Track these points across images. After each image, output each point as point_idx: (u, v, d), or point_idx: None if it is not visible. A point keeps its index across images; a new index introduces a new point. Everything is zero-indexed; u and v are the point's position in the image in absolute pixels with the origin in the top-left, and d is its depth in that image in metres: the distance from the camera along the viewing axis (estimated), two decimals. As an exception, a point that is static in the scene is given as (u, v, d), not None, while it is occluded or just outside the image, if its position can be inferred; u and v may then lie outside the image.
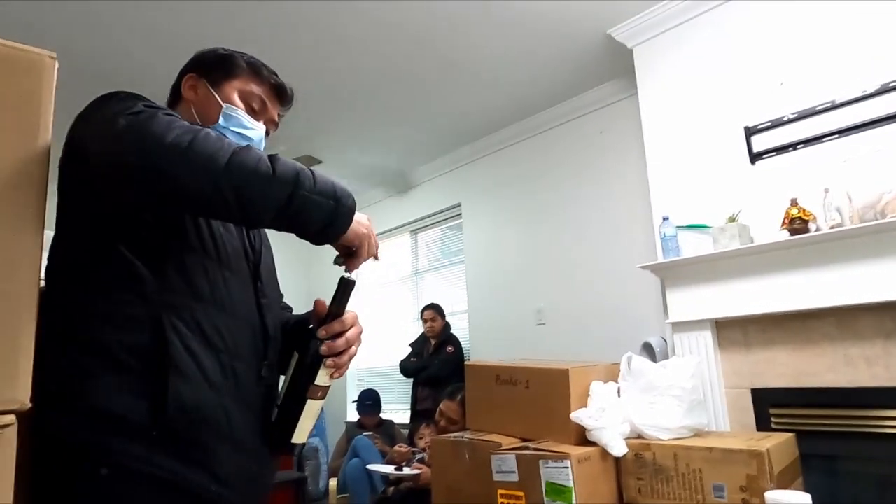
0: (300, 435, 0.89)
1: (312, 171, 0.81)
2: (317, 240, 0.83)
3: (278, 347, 0.99)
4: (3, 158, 0.70)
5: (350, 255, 0.89)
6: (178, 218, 0.86)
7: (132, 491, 0.76)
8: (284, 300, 1.14)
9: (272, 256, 1.09)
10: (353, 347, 0.90)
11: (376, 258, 0.92)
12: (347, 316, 0.90)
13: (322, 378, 0.89)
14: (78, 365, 0.77)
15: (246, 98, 1.02)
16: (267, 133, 1.07)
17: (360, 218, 0.87)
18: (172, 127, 0.75)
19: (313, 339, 0.88)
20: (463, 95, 3.75)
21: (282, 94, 1.07)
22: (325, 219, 0.81)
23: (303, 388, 0.88)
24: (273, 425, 0.89)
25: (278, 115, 1.08)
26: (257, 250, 1.02)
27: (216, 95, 1.00)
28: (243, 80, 1.02)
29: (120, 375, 0.77)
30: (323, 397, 0.91)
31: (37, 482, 0.75)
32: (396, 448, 3.18)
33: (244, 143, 0.97)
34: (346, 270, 0.89)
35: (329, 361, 0.87)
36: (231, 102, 1.00)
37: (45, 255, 0.77)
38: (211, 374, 0.82)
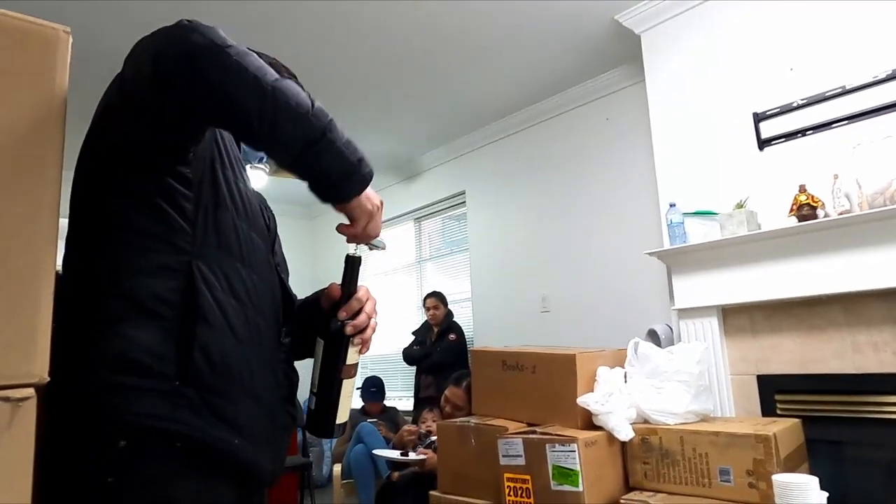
0: (342, 414, 0.91)
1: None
2: (327, 194, 0.82)
3: (294, 317, 1.00)
4: (17, 133, 0.69)
5: (350, 227, 0.88)
6: (213, 172, 0.85)
7: (152, 460, 0.75)
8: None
9: (280, 240, 1.10)
10: (373, 319, 0.91)
11: (370, 244, 0.91)
12: (360, 291, 0.91)
13: (352, 356, 0.91)
14: (105, 312, 0.76)
15: None
16: None
17: (371, 194, 0.86)
18: (216, 35, 0.73)
19: (334, 321, 0.89)
20: (469, 82, 3.73)
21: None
22: (344, 173, 0.80)
23: (336, 371, 0.89)
24: (314, 412, 0.90)
25: None
26: (272, 223, 1.03)
27: None
28: None
29: (148, 322, 0.76)
30: (355, 374, 0.93)
31: (47, 457, 0.74)
32: (406, 427, 3.19)
33: None
34: (348, 242, 0.90)
35: (356, 339, 0.88)
36: None
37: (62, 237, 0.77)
38: (236, 327, 0.82)
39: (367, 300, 0.90)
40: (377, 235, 0.91)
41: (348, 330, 0.88)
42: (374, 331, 0.91)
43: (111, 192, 0.81)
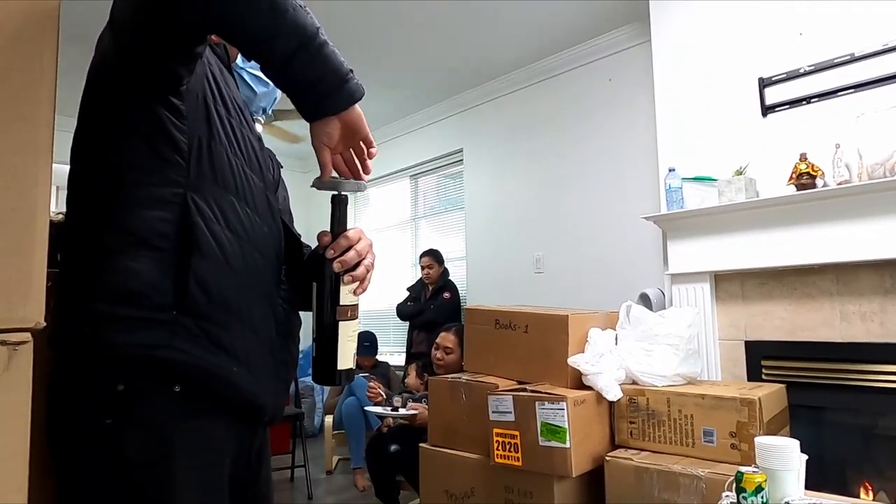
0: (344, 360, 0.87)
1: None
2: (319, 106, 0.78)
3: (295, 257, 0.99)
4: (8, 80, 0.67)
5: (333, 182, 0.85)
6: (206, 107, 0.83)
7: (151, 403, 0.76)
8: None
9: (287, 193, 1.07)
10: (368, 259, 0.88)
11: (356, 186, 0.87)
12: (351, 231, 0.88)
13: (346, 297, 0.87)
14: (102, 247, 0.76)
15: None
16: None
17: (360, 112, 0.83)
18: None
19: (326, 262, 0.87)
20: (470, 37, 3.63)
21: None
22: (337, 83, 0.77)
23: (331, 312, 0.87)
24: (315, 359, 0.88)
25: None
26: (275, 171, 1.01)
27: None
28: None
29: (144, 254, 0.76)
30: (354, 317, 0.89)
31: (51, 403, 0.75)
32: (370, 385, 3.23)
33: (262, 87, 1.02)
34: (322, 179, 0.86)
35: (346, 277, 0.86)
36: None
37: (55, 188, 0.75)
38: (232, 259, 0.82)
39: (357, 239, 0.88)
40: (370, 149, 0.87)
41: (336, 267, 0.85)
42: (368, 270, 0.89)
43: (105, 126, 0.80)
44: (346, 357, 0.87)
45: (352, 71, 0.78)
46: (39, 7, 0.70)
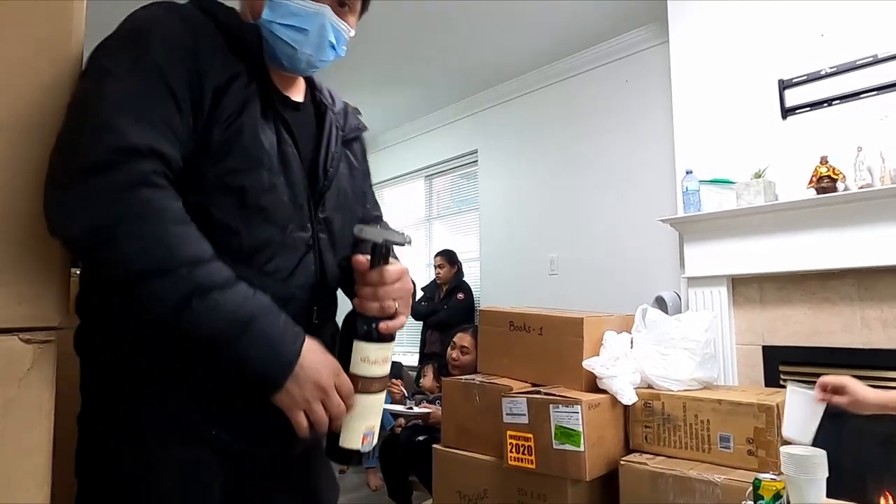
0: (348, 437, 0.75)
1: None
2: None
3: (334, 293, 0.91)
4: (34, 85, 0.68)
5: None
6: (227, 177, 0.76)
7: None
8: None
9: (356, 179, 0.96)
10: (392, 306, 0.78)
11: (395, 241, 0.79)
12: (389, 271, 0.78)
13: (359, 365, 0.75)
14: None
15: None
16: (347, 6, 0.87)
17: (311, 372, 0.73)
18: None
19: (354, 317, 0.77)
20: (486, 38, 3.63)
21: None
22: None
23: None
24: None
25: None
26: (331, 162, 0.90)
27: None
28: None
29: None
30: (366, 390, 0.75)
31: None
32: (394, 381, 3.25)
33: (300, 38, 0.82)
34: (363, 227, 0.77)
35: (362, 345, 0.75)
36: None
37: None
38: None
39: (390, 282, 0.78)
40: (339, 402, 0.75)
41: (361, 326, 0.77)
42: (395, 326, 0.78)
43: None
44: (352, 435, 0.75)
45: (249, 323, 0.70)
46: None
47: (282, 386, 0.71)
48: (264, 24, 0.82)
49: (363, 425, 0.76)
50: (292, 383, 0.71)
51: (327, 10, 0.83)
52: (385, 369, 0.77)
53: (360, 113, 1.03)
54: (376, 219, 1.03)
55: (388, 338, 0.77)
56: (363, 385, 0.75)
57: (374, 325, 0.76)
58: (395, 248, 0.81)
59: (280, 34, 0.82)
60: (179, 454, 0.76)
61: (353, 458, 0.76)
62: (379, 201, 1.09)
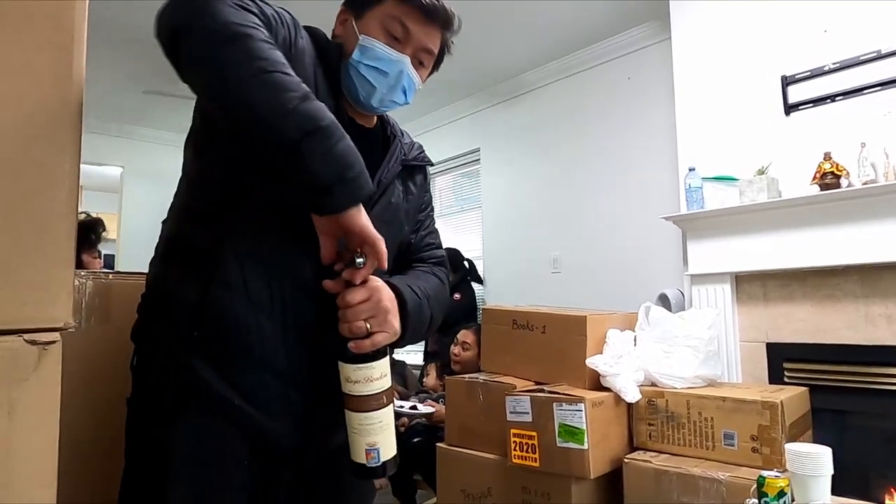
0: (352, 451, 0.78)
1: (339, 137, 0.74)
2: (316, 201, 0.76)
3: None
4: (38, 86, 0.68)
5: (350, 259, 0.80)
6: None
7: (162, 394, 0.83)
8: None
9: (410, 203, 1.03)
10: (361, 326, 0.78)
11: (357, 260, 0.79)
12: (354, 292, 0.80)
13: (345, 384, 0.76)
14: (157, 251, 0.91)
15: (386, 25, 0.91)
16: (422, 63, 0.98)
17: (363, 218, 0.77)
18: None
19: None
20: (487, 36, 3.62)
21: (429, 14, 0.93)
22: (332, 182, 0.73)
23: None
24: None
25: (441, 41, 0.99)
26: (385, 175, 0.97)
27: (355, 27, 0.92)
28: (387, 5, 0.91)
29: (179, 267, 0.86)
30: (359, 409, 0.76)
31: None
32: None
33: (381, 79, 0.92)
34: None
35: (351, 367, 0.76)
36: (369, 33, 0.91)
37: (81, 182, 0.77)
38: (254, 293, 0.82)
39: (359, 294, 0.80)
40: (370, 255, 0.79)
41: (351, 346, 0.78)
42: (367, 345, 0.78)
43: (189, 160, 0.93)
44: (355, 449, 0.77)
45: (349, 168, 0.74)
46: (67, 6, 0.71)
47: (344, 208, 0.75)
48: (352, 63, 0.92)
49: (363, 441, 0.77)
50: (355, 210, 0.76)
51: (407, 60, 0.94)
52: (375, 387, 0.77)
53: (423, 149, 1.12)
54: (428, 245, 1.10)
55: (367, 357, 0.77)
56: (354, 403, 0.76)
57: (346, 346, 0.77)
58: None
59: (364, 73, 0.92)
60: (208, 426, 0.81)
61: (366, 473, 0.77)
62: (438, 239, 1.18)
